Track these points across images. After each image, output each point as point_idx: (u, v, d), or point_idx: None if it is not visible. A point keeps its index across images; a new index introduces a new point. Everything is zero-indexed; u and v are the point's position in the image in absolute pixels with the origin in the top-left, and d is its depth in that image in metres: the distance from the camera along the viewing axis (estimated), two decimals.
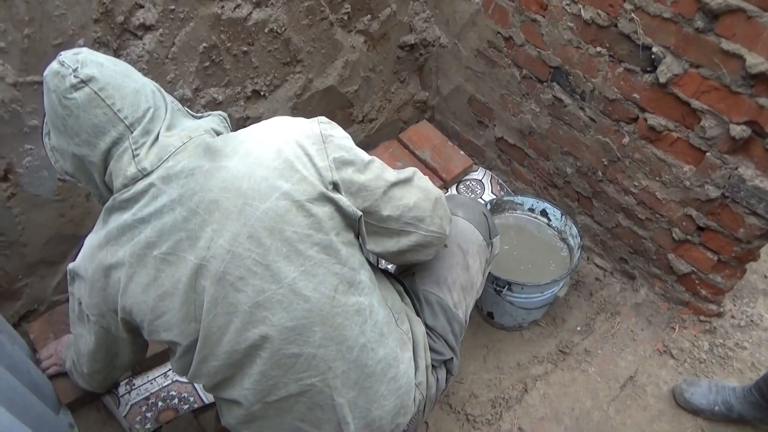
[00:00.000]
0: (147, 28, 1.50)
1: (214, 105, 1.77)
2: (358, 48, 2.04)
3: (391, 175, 1.12)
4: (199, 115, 1.15)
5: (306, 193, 0.99)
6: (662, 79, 1.54)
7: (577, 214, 2.13)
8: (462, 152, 2.40)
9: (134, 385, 1.73)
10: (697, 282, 1.85)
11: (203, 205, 0.97)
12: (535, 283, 1.71)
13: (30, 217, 1.60)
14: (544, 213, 1.97)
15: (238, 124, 1.87)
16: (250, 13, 1.65)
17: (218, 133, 1.09)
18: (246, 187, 0.97)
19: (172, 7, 1.50)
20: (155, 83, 1.08)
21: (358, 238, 1.11)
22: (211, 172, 0.98)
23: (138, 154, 0.99)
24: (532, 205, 1.99)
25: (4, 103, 1.38)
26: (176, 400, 1.72)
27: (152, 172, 0.99)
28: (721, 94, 1.46)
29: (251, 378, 1.06)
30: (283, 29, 1.76)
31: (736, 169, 1.53)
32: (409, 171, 1.17)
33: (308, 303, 1.01)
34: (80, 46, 1.40)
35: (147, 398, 1.71)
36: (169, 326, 1.04)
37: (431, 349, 1.28)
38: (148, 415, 1.69)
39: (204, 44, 1.62)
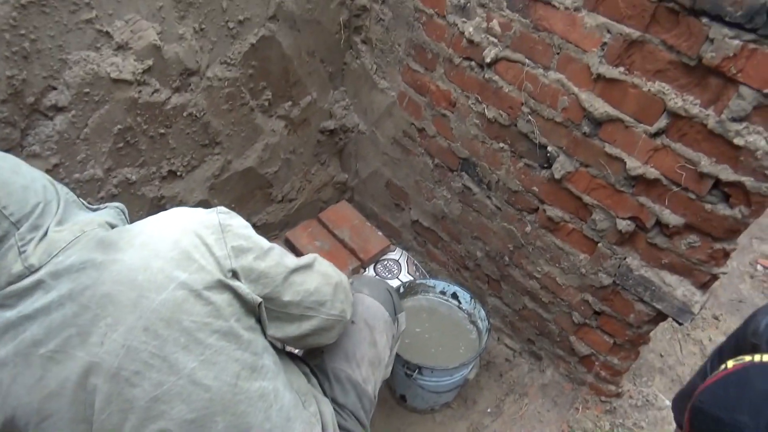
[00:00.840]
0: (59, 109, 1.49)
1: (126, 185, 1.75)
2: (279, 132, 2.10)
3: (292, 261, 1.14)
4: (95, 207, 1.12)
5: (203, 281, 0.98)
6: (557, 175, 1.68)
7: (488, 295, 2.21)
8: (380, 233, 2.46)
9: None
10: (596, 363, 1.95)
11: (95, 300, 0.94)
12: (444, 366, 1.75)
13: None
14: (454, 296, 2.04)
15: (152, 203, 1.85)
16: (169, 97, 1.68)
17: (114, 227, 1.08)
18: (141, 279, 0.95)
19: (87, 90, 1.50)
20: (47, 176, 1.05)
21: (259, 323, 1.10)
22: (105, 265, 0.96)
23: (25, 251, 0.95)
24: (444, 288, 2.05)
25: None
26: None
27: (40, 268, 0.95)
28: (608, 192, 1.60)
29: None
30: (202, 113, 1.79)
31: (625, 259, 1.66)
32: (309, 257, 1.21)
33: (209, 392, 0.99)
34: None
35: None
36: (58, 428, 0.97)
37: (342, 428, 1.27)
38: None
39: (119, 126, 1.62)
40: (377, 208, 2.54)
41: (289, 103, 2.06)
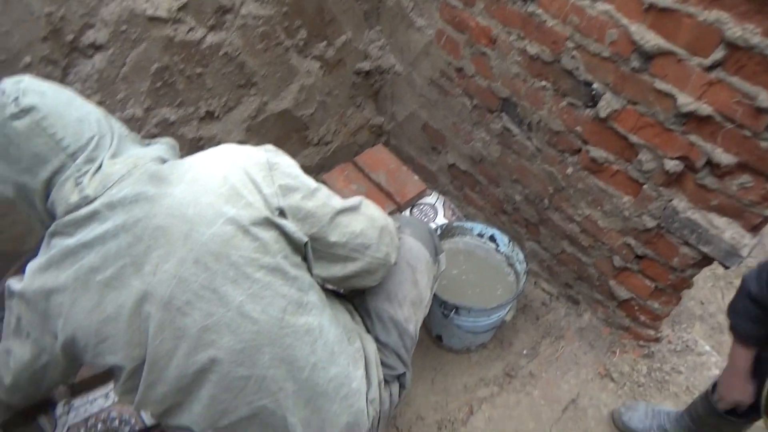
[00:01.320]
0: (97, 47, 1.49)
1: (166, 125, 1.77)
2: (314, 73, 2.07)
3: (338, 202, 1.15)
4: (148, 142, 1.15)
5: (251, 218, 1.00)
6: (602, 114, 1.61)
7: (525, 240, 2.19)
8: (416, 177, 2.44)
9: (73, 405, 1.69)
10: (636, 308, 1.93)
11: (148, 232, 0.98)
12: (481, 307, 1.75)
13: None
14: (492, 239, 2.02)
15: (192, 144, 1.86)
16: (204, 36, 1.66)
17: (165, 161, 1.10)
18: (192, 213, 0.98)
19: (124, 28, 1.50)
20: (102, 110, 1.08)
21: (305, 261, 1.12)
22: (156, 199, 0.98)
23: (81, 182, 0.99)
24: (482, 230, 2.03)
25: None
26: (117, 422, 1.68)
27: (95, 199, 0.99)
28: (656, 130, 1.53)
29: (201, 403, 1.05)
30: (237, 53, 1.77)
31: (671, 201, 1.61)
32: (356, 199, 1.20)
33: (256, 325, 1.02)
34: (27, 64, 1.39)
35: (86, 420, 1.67)
36: (114, 350, 1.03)
37: (384, 365, 1.30)
38: None
39: (156, 65, 1.62)
40: (413, 151, 2.51)
41: (324, 43, 2.02)
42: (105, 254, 0.98)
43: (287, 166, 1.09)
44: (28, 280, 1.05)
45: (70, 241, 1.00)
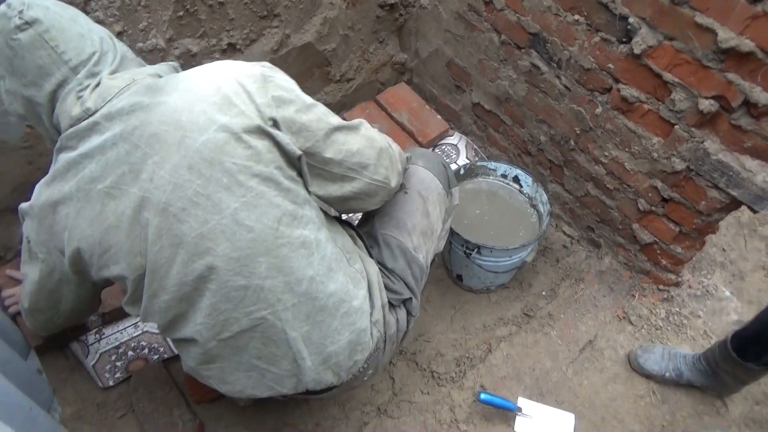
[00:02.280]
0: None
1: (188, 57, 1.74)
2: (338, 5, 2.01)
3: (335, 119, 1.15)
4: (151, 66, 1.17)
5: (243, 125, 1.01)
6: (637, 50, 1.56)
7: (548, 182, 2.17)
8: (438, 116, 2.40)
9: (104, 333, 1.74)
10: (658, 252, 1.92)
11: (144, 139, 1.00)
12: (503, 247, 1.75)
13: None
14: (516, 179, 2.00)
15: None
16: None
17: (162, 78, 1.12)
18: (185, 120, 1.00)
19: None
20: (106, 31, 1.12)
21: (301, 177, 1.13)
22: (151, 107, 1.01)
23: (82, 96, 1.03)
24: (505, 171, 2.01)
25: None
26: (146, 350, 1.74)
27: (96, 111, 1.02)
28: (692, 68, 1.48)
29: (202, 312, 1.08)
30: None
31: (702, 142, 1.57)
32: (356, 120, 1.21)
33: (251, 233, 1.04)
34: None
35: (117, 347, 1.73)
36: (117, 260, 1.06)
37: (389, 290, 1.31)
38: (118, 364, 1.71)
39: None
40: (437, 90, 2.46)
41: None
42: (105, 163, 1.02)
43: (282, 80, 1.10)
44: (36, 195, 1.09)
45: (72, 154, 1.03)
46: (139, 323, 1.78)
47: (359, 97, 2.42)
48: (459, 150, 2.35)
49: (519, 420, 1.69)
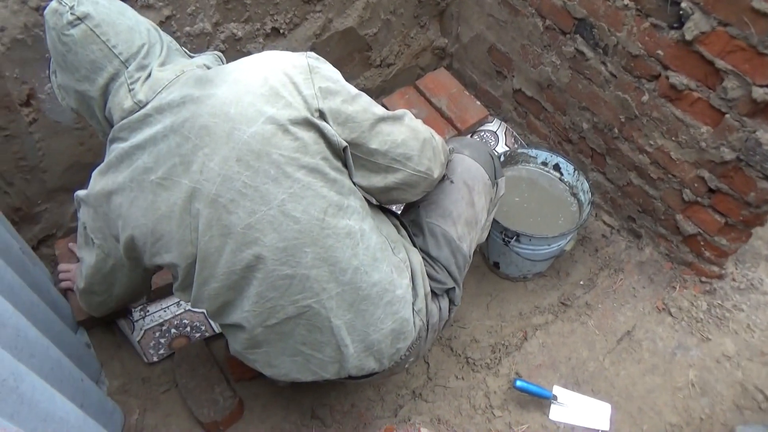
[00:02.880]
0: None
1: (233, 41, 1.76)
2: None
3: (380, 110, 1.15)
4: (196, 55, 1.20)
5: (290, 117, 1.03)
6: (688, 37, 1.52)
7: (590, 170, 2.14)
8: (478, 102, 2.38)
9: (148, 311, 1.80)
10: (702, 243, 1.88)
11: (194, 131, 1.02)
12: (543, 235, 1.74)
13: (50, 143, 1.62)
14: (557, 167, 1.98)
15: None
16: None
17: (210, 69, 1.14)
18: (234, 113, 1.01)
19: None
20: (151, 22, 1.15)
21: (346, 167, 1.14)
22: (201, 100, 1.03)
23: (133, 88, 1.06)
24: (546, 158, 1.99)
25: (27, 28, 1.38)
26: (188, 329, 1.79)
27: (147, 103, 1.05)
28: (747, 55, 1.44)
29: (250, 300, 1.11)
30: None
31: (754, 132, 1.52)
32: (400, 111, 1.21)
33: (298, 224, 1.06)
34: None
35: (161, 324, 1.78)
36: (169, 248, 1.09)
37: (432, 279, 1.32)
38: (162, 341, 1.76)
39: None
40: (477, 75, 2.44)
41: None
42: (156, 155, 1.04)
43: (328, 71, 1.11)
44: (91, 184, 1.13)
45: (125, 145, 1.06)
46: (181, 303, 1.83)
47: (399, 83, 2.41)
48: (498, 137, 2.33)
49: (554, 408, 1.69)
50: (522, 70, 2.17)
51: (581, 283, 2.03)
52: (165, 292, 1.81)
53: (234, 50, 1.79)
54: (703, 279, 1.97)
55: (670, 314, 1.92)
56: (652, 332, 1.89)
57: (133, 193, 1.07)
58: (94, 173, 1.13)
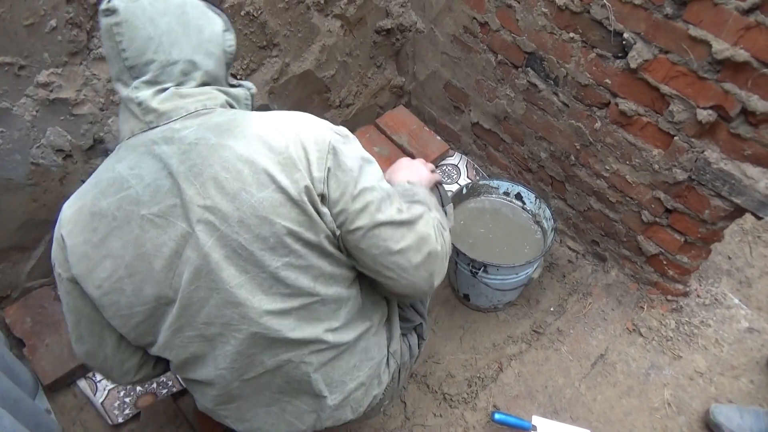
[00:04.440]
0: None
1: None
2: (335, 32, 2.04)
3: (388, 213, 1.05)
4: (236, 83, 1.12)
5: (301, 191, 0.97)
6: (633, 65, 1.58)
7: (551, 197, 2.18)
8: (438, 137, 2.42)
9: None
10: (664, 262, 1.92)
11: (201, 179, 0.96)
12: (509, 264, 1.75)
13: (1, 201, 1.57)
14: (518, 196, 2.01)
15: None
16: None
17: (234, 108, 1.07)
18: (246, 173, 0.96)
19: None
20: (211, 44, 1.03)
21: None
22: (215, 148, 0.96)
23: (142, 104, 0.98)
24: (507, 188, 2.02)
25: None
26: (154, 385, 1.73)
27: (156, 127, 0.98)
28: (689, 80, 1.50)
29: (227, 358, 1.06)
30: (259, 12, 1.75)
31: (703, 152, 1.58)
32: (417, 211, 1.10)
33: (288, 289, 1.02)
34: (53, 27, 1.38)
35: None
36: (140, 287, 1.00)
37: (401, 318, 1.31)
38: (127, 400, 1.69)
39: None
40: (435, 111, 2.48)
41: (345, 0, 1.99)
42: (155, 190, 0.97)
43: (349, 157, 1.02)
44: (74, 197, 1.03)
45: (121, 167, 0.99)
46: None
47: (359, 122, 2.44)
48: (460, 170, 2.36)
49: None
50: (478, 104, 2.22)
51: (551, 309, 2.04)
52: None
53: None
54: (669, 297, 2.00)
55: (641, 334, 1.94)
56: (625, 354, 1.90)
57: (116, 222, 0.98)
58: (82, 187, 1.04)
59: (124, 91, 0.99)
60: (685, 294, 1.99)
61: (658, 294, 2.01)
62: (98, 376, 1.71)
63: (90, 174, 1.63)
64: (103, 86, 1.56)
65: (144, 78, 0.98)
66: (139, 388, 1.71)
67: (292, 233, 0.98)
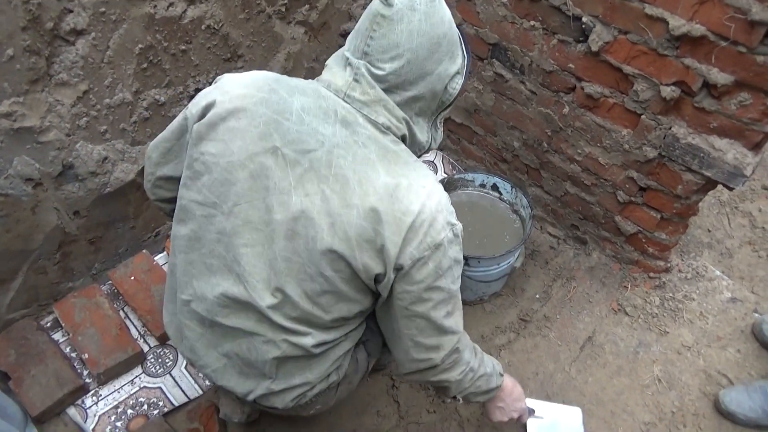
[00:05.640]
0: (78, 32, 1.46)
1: (156, 106, 1.75)
2: (299, 39, 2.04)
3: (442, 323, 1.10)
4: (434, 129, 1.16)
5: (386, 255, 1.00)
6: (594, 48, 1.60)
7: (528, 185, 2.19)
8: None
9: (101, 395, 1.71)
10: (644, 240, 1.93)
11: (337, 171, 1.00)
12: (490, 255, 1.76)
13: None
14: (494, 187, 2.02)
15: None
16: (185, 10, 1.63)
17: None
18: (369, 200, 0.99)
19: (103, 9, 1.47)
20: (438, 81, 1.05)
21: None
22: (367, 163, 1.01)
23: (359, 75, 1.02)
24: (483, 180, 2.03)
25: None
26: (145, 406, 1.71)
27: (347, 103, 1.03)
28: (650, 58, 1.52)
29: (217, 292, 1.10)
30: (220, 25, 1.75)
31: (670, 128, 1.60)
32: (459, 343, 1.15)
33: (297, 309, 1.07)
34: (10, 56, 1.37)
35: (116, 407, 1.70)
36: (232, 137, 1.03)
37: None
38: (118, 424, 1.67)
39: (140, 45, 1.60)
40: None
41: (306, 6, 1.99)
42: (301, 141, 1.01)
43: (447, 257, 1.05)
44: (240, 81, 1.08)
45: (297, 102, 1.04)
46: (135, 380, 1.75)
47: None
48: (436, 166, 2.37)
49: (531, 422, 1.68)
50: None
51: (537, 296, 2.05)
52: (117, 371, 1.74)
53: (159, 116, 1.78)
54: (652, 274, 2.02)
55: (627, 314, 1.96)
56: (612, 334, 1.91)
57: (255, 129, 1.02)
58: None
59: (350, 54, 1.03)
60: (667, 270, 2.01)
61: (641, 272, 2.03)
62: (87, 402, 1.69)
63: (62, 201, 1.63)
64: (67, 111, 1.55)
65: (371, 66, 1.01)
66: (130, 410, 1.70)
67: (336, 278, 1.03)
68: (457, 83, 1.09)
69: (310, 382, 1.18)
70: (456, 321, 1.13)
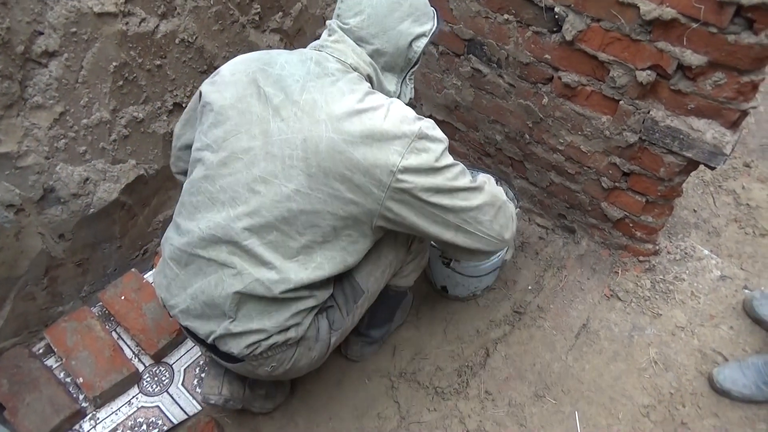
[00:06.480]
0: (51, 54, 1.45)
1: (135, 123, 1.74)
2: (275, 46, 2.03)
3: (461, 182, 1.29)
4: (403, 84, 1.37)
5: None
6: (568, 37, 1.60)
7: (513, 178, 2.20)
8: None
9: (98, 418, 1.70)
10: (631, 225, 1.95)
11: (307, 95, 1.18)
12: None
13: None
14: None
15: (165, 139, 1.84)
16: (157, 25, 1.63)
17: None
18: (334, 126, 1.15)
19: (74, 29, 1.46)
20: (401, 38, 1.27)
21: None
22: (332, 87, 1.19)
23: (331, 30, 1.29)
24: None
25: None
26: (144, 426, 1.70)
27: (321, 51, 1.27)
28: (624, 44, 1.53)
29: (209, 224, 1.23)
30: (194, 37, 1.74)
31: (648, 112, 1.61)
32: (481, 179, 1.37)
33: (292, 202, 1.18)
34: None
35: (114, 430, 1.68)
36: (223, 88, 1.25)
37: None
38: None
39: (114, 63, 1.59)
40: None
41: (280, 14, 1.98)
42: (282, 82, 1.20)
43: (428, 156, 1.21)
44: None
45: (283, 56, 1.28)
46: (132, 401, 1.74)
47: None
48: None
49: None
50: (428, 97, 2.23)
51: (529, 288, 2.05)
52: (113, 393, 1.72)
53: (139, 133, 1.76)
54: (641, 258, 2.03)
55: (619, 299, 1.97)
56: (606, 320, 1.92)
57: (246, 78, 1.23)
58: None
59: (330, 21, 1.30)
60: (656, 252, 2.03)
61: (630, 257, 2.04)
62: (85, 427, 1.68)
63: (46, 225, 1.61)
64: (44, 134, 1.53)
65: (340, 23, 1.26)
66: None
67: (344, 180, 1.18)
68: (422, 42, 1.28)
69: (267, 330, 1.24)
70: (470, 179, 1.31)
